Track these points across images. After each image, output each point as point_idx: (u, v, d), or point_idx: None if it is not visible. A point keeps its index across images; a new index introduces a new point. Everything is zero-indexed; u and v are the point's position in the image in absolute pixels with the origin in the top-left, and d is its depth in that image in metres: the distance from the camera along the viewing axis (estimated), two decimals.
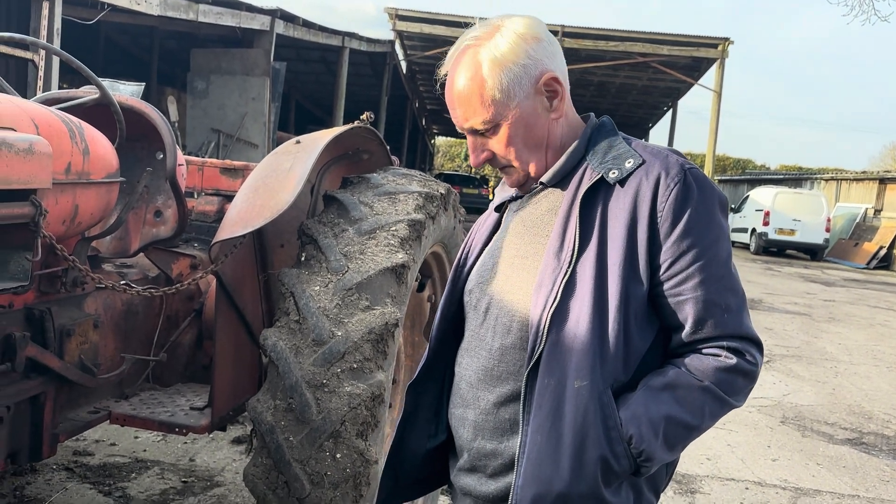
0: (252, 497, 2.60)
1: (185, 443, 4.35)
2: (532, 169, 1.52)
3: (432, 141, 50.05)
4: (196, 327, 3.20)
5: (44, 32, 9.14)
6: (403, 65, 26.42)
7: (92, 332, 2.66)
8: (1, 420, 2.21)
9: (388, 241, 2.66)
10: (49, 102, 2.79)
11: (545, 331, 1.39)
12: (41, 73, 8.96)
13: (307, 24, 16.85)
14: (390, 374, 2.57)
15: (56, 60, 9.30)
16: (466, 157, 63.74)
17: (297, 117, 27.15)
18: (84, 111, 2.78)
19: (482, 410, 1.51)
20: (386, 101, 23.51)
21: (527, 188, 1.57)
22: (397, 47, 23.93)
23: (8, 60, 9.35)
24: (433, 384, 1.66)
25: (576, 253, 1.40)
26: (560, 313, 1.39)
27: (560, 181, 1.52)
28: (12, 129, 2.07)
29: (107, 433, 4.36)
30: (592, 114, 1.59)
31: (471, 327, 1.57)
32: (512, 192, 1.62)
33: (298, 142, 2.88)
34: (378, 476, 2.51)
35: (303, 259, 2.63)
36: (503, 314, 1.49)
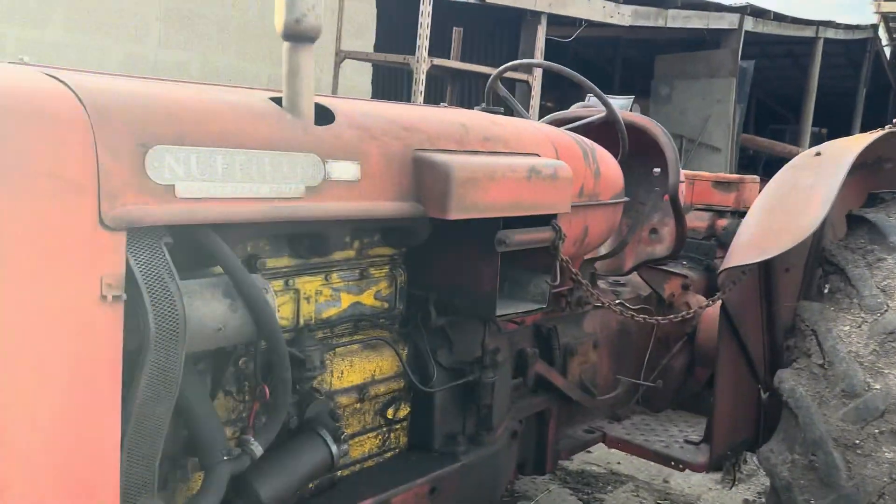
0: None
1: None
2: None
3: None
4: (688, 352, 3.05)
5: (538, 54, 9.93)
6: (887, 50, 23.19)
7: (592, 351, 2.67)
8: (516, 434, 2.31)
9: None
10: (556, 123, 2.88)
11: None
12: (534, 93, 9.72)
13: (778, 18, 15.75)
14: None
15: (539, 80, 10.02)
16: None
17: (757, 116, 25.69)
18: (585, 128, 2.80)
19: None
20: (864, 94, 20.88)
21: None
22: (880, 31, 21.07)
23: (508, 83, 10.41)
24: None
25: None
26: None
27: None
28: (536, 155, 2.13)
29: None
30: None
31: None
32: None
33: (818, 154, 2.53)
34: None
35: (826, 291, 2.29)
36: None
